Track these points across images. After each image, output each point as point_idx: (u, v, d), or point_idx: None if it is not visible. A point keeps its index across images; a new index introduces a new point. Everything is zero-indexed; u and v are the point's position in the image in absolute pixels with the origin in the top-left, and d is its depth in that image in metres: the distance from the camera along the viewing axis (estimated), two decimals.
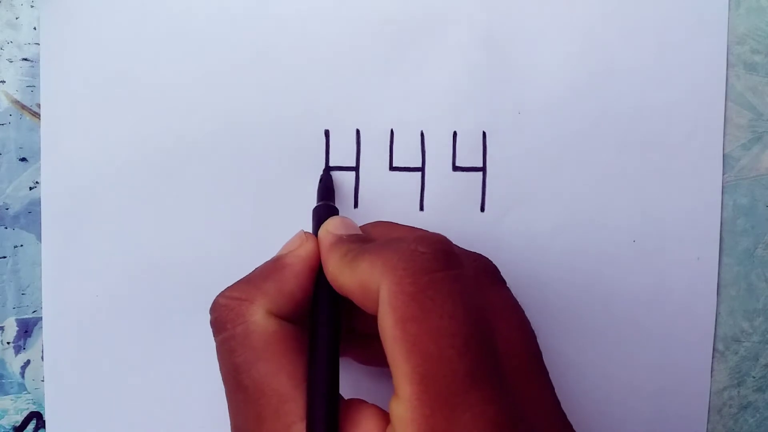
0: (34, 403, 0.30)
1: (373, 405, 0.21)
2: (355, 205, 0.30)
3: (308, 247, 0.23)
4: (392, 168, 0.29)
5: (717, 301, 0.30)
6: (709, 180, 0.30)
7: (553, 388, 0.22)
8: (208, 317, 0.29)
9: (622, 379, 0.30)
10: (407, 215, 0.29)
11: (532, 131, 0.30)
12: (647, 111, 0.30)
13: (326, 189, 0.28)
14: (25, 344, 0.30)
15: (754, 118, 0.30)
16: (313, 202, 0.29)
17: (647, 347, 0.30)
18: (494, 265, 0.24)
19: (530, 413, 0.20)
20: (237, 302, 0.22)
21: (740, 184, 0.30)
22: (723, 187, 0.30)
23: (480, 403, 0.18)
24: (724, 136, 0.30)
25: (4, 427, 0.30)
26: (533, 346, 0.22)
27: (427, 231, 0.22)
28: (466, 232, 0.30)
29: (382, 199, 0.29)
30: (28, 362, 0.30)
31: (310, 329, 0.22)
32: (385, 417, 0.20)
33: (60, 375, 0.29)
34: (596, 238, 0.30)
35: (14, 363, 0.30)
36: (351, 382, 0.29)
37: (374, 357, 0.27)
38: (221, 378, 0.22)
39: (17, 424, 0.30)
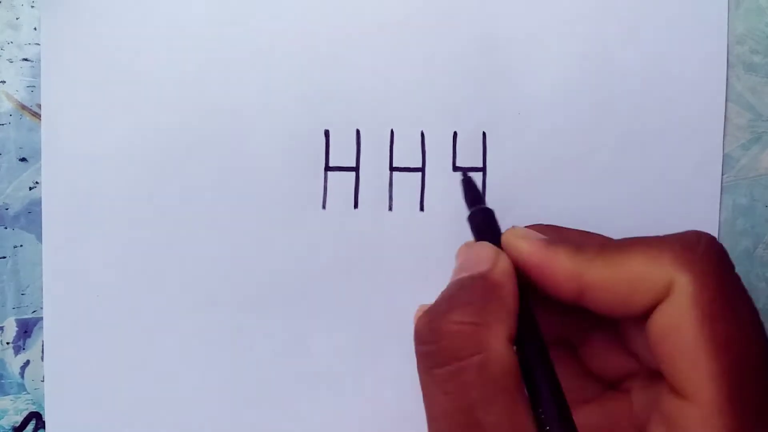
0: (33, 404, 0.30)
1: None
2: (355, 206, 0.30)
3: (508, 260, 0.21)
4: (392, 168, 0.30)
5: None
6: (709, 180, 0.30)
7: None
8: (208, 317, 0.29)
9: None
10: (407, 215, 0.29)
11: (532, 131, 0.30)
12: (647, 111, 0.30)
13: (475, 192, 0.25)
14: (24, 344, 0.30)
15: (753, 118, 0.30)
16: (312, 203, 0.29)
17: None
18: None
19: None
20: (473, 328, 0.19)
21: (740, 185, 0.30)
22: (722, 187, 0.30)
23: None
24: (723, 137, 0.30)
25: (4, 428, 0.30)
26: None
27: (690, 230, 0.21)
28: (466, 232, 0.30)
29: (382, 199, 0.29)
30: (27, 362, 0.30)
31: (523, 351, 0.20)
32: None
33: (60, 375, 0.29)
34: None
35: (14, 363, 0.30)
36: None
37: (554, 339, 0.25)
38: (437, 414, 0.19)
39: (17, 425, 0.30)
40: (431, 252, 0.29)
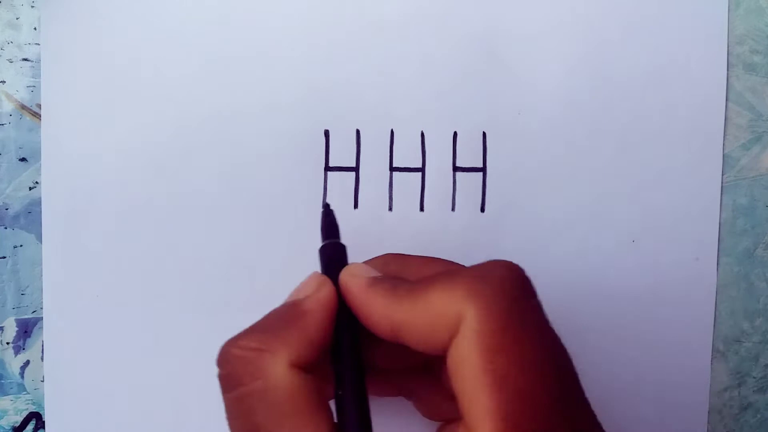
0: (33, 404, 0.30)
1: None
2: (355, 206, 0.30)
3: (327, 291, 0.22)
4: (392, 168, 0.30)
5: (717, 301, 0.30)
6: (709, 180, 0.30)
7: None
8: (208, 317, 0.29)
9: (621, 379, 0.30)
10: (407, 215, 0.29)
11: (532, 132, 0.30)
12: (647, 111, 0.30)
13: (330, 226, 0.26)
14: (24, 344, 0.30)
15: (753, 118, 0.30)
16: (312, 203, 0.29)
17: (646, 347, 0.30)
18: None
19: None
20: (256, 353, 0.19)
21: (740, 184, 0.30)
22: (723, 187, 0.30)
23: None
24: (723, 137, 0.30)
25: (4, 428, 0.30)
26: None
27: (497, 260, 0.21)
28: (466, 232, 0.30)
29: (382, 199, 0.29)
30: (27, 362, 0.30)
31: (336, 375, 0.21)
32: None
33: (60, 375, 0.29)
34: (596, 238, 0.30)
35: (14, 363, 0.30)
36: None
37: (390, 389, 0.26)
38: None
39: (17, 425, 0.30)
40: (431, 252, 0.29)
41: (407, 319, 0.20)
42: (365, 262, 0.25)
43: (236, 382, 0.20)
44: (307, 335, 0.20)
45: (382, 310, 0.21)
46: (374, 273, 0.22)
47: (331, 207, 0.26)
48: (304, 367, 0.20)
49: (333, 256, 0.24)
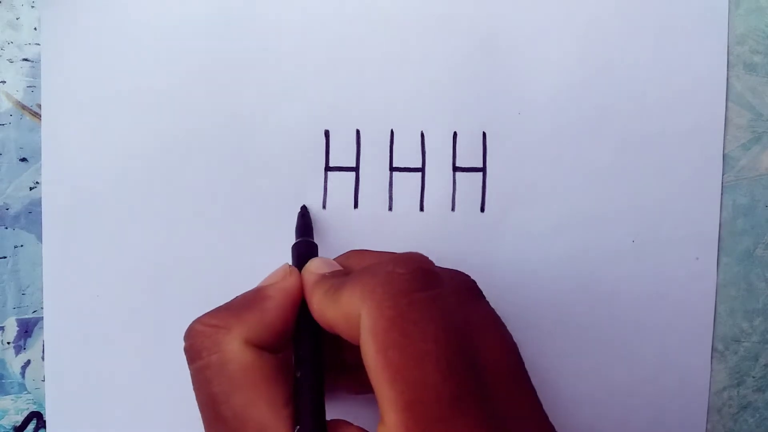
0: (34, 403, 0.30)
1: (357, 427, 0.21)
2: (355, 206, 0.30)
3: (292, 280, 0.23)
4: (392, 168, 0.30)
5: (716, 301, 0.30)
6: (709, 180, 0.30)
7: (535, 392, 0.22)
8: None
9: (621, 379, 0.30)
10: (407, 215, 0.29)
11: (532, 131, 0.30)
12: (647, 111, 0.30)
13: (305, 225, 0.28)
14: (25, 344, 0.30)
15: (753, 118, 0.30)
16: (312, 203, 0.29)
17: (646, 347, 0.30)
18: (473, 280, 0.24)
19: (516, 427, 0.20)
20: (214, 329, 0.21)
21: (740, 184, 0.30)
22: (723, 187, 0.30)
23: (467, 428, 0.18)
24: (723, 137, 0.30)
25: (5, 427, 0.30)
26: (515, 356, 0.22)
27: (405, 252, 0.22)
28: (466, 232, 0.30)
29: (382, 199, 0.29)
30: (28, 362, 0.30)
31: (294, 360, 0.22)
32: None
33: (60, 375, 0.29)
34: (596, 238, 0.30)
35: (14, 363, 0.30)
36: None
37: (365, 385, 0.27)
38: (197, 406, 0.22)
39: (17, 424, 0.30)
40: (431, 252, 0.29)
41: (332, 317, 0.21)
42: (335, 258, 0.26)
43: (196, 354, 0.21)
44: (264, 318, 0.22)
45: (316, 308, 0.22)
46: (329, 269, 0.23)
47: (308, 209, 0.28)
48: (261, 346, 0.21)
49: (304, 252, 0.26)
